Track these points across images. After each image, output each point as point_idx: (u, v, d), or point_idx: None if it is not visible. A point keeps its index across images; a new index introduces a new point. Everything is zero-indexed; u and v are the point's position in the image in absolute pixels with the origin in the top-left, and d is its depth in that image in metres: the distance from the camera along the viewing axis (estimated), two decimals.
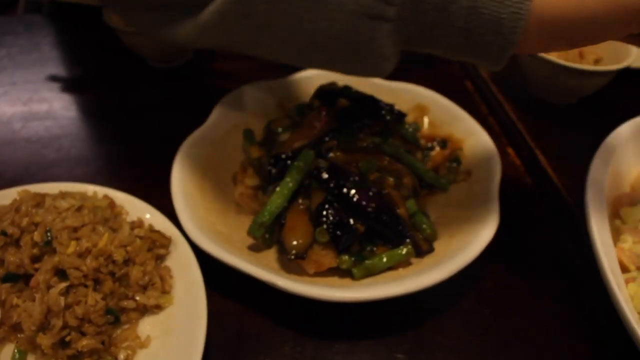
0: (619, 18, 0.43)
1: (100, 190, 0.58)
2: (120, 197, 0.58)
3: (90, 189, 0.59)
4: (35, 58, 0.86)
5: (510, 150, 0.74)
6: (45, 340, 0.46)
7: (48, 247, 0.50)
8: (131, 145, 0.72)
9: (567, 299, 0.56)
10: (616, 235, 0.58)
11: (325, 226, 0.52)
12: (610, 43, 0.73)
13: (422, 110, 0.72)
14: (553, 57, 0.75)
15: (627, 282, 0.52)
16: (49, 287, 0.48)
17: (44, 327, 0.47)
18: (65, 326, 0.47)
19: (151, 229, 0.54)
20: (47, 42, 0.89)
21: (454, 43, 0.45)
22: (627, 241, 0.56)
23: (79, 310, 0.47)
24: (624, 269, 0.54)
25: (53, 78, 0.82)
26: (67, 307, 0.48)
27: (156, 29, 0.55)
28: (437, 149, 0.68)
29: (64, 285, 0.48)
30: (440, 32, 0.45)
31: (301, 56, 0.50)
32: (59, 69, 0.84)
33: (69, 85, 0.82)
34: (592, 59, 0.80)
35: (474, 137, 0.67)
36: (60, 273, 0.49)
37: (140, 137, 0.73)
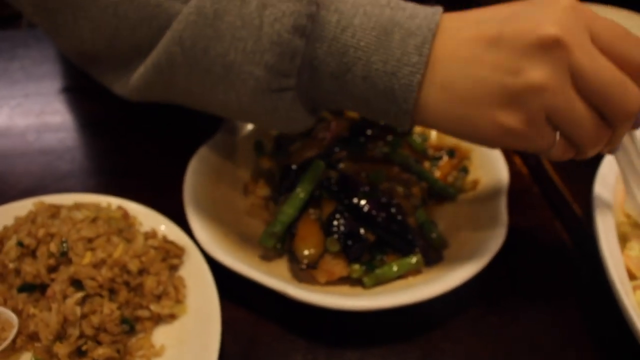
0: (480, 142, 0.47)
1: (114, 201, 0.59)
2: (134, 208, 0.59)
3: (104, 200, 0.59)
4: (47, 70, 0.87)
5: (516, 160, 0.74)
6: (62, 349, 0.47)
7: (64, 257, 0.51)
8: (143, 156, 0.72)
9: (575, 307, 0.57)
10: (623, 242, 0.58)
11: (336, 236, 0.53)
12: None
13: None
14: None
15: (634, 289, 0.52)
16: (65, 297, 0.49)
17: (60, 336, 0.48)
18: (81, 335, 0.48)
19: (165, 240, 0.55)
20: (58, 54, 0.90)
21: (356, 107, 0.48)
22: (635, 248, 0.56)
23: (94, 319, 0.48)
24: (632, 276, 0.54)
25: (65, 90, 0.83)
26: (83, 316, 0.48)
27: (100, 80, 0.58)
28: (445, 158, 0.69)
29: (80, 295, 0.49)
30: (339, 97, 0.48)
31: (231, 116, 0.54)
32: (70, 81, 0.85)
33: (81, 96, 0.83)
34: None
35: (481, 147, 0.68)
36: (76, 283, 0.49)
37: (153, 148, 0.73)
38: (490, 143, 0.47)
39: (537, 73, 0.41)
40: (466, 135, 0.47)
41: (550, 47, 0.41)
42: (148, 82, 0.51)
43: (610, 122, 0.44)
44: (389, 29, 0.44)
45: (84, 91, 0.84)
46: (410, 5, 0.46)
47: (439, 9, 0.45)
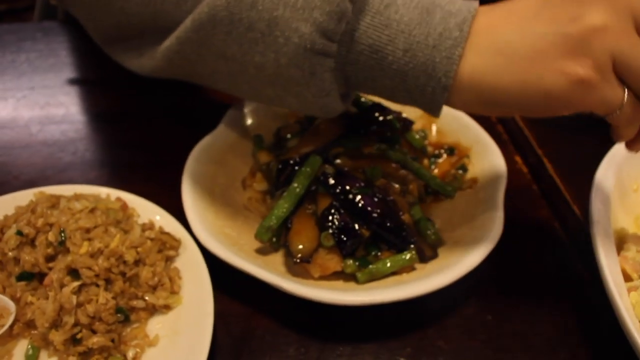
0: (542, 102, 0.45)
1: (113, 193, 0.60)
2: (132, 200, 0.59)
3: (103, 191, 0.60)
4: (53, 63, 0.87)
5: (517, 158, 0.74)
6: (57, 337, 0.47)
7: (62, 247, 0.51)
8: (144, 149, 0.73)
9: (569, 306, 0.57)
10: (620, 243, 0.58)
11: (330, 231, 0.53)
12: None
13: (430, 118, 0.72)
14: None
15: (629, 290, 0.52)
16: (62, 285, 0.49)
17: (56, 324, 0.48)
18: (76, 324, 0.48)
19: (161, 231, 0.56)
20: (64, 48, 0.90)
21: (391, 85, 0.48)
22: (631, 250, 0.56)
23: (90, 308, 0.48)
24: (627, 277, 0.54)
25: (69, 83, 0.84)
26: (79, 305, 0.49)
27: (127, 58, 0.58)
28: (445, 156, 0.69)
29: (76, 284, 0.49)
30: (376, 73, 0.47)
31: (255, 90, 0.53)
32: (75, 74, 0.86)
33: (85, 90, 0.83)
34: None
35: (481, 145, 0.68)
36: (73, 272, 0.50)
37: (153, 141, 0.74)
38: (560, 100, 0.44)
39: (597, 15, 0.41)
40: (530, 97, 0.44)
41: None
42: (182, 42, 0.50)
43: None
44: (431, 9, 0.45)
45: (88, 84, 0.85)
46: None
47: (475, 2, 0.46)
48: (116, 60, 0.61)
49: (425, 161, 0.67)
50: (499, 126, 0.80)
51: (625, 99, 0.44)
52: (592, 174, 0.61)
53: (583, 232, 0.60)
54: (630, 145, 0.50)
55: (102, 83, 0.85)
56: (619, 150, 0.64)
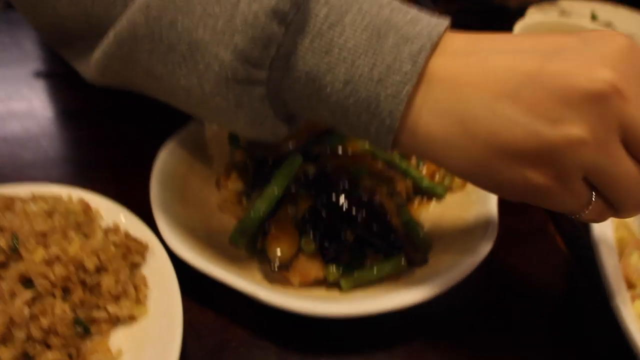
0: (496, 190, 0.42)
1: (76, 193, 0.55)
2: (97, 201, 0.55)
3: (65, 191, 0.55)
4: (17, 55, 0.83)
5: None
6: (6, 354, 0.43)
7: (14, 253, 0.47)
8: (112, 146, 0.69)
9: (568, 314, 0.54)
10: (620, 247, 0.55)
11: (311, 235, 0.50)
12: None
13: None
14: None
15: (633, 299, 0.49)
16: (12, 296, 0.45)
17: (5, 339, 0.44)
18: (29, 338, 0.44)
19: (127, 235, 0.51)
20: (29, 39, 0.86)
21: (331, 118, 0.43)
22: (633, 255, 0.53)
23: (44, 321, 0.44)
24: (630, 285, 0.51)
25: (34, 76, 0.80)
26: (32, 317, 0.44)
27: (76, 64, 0.54)
28: None
29: (29, 294, 0.45)
30: (314, 103, 0.42)
31: (192, 109, 0.48)
32: (40, 67, 0.81)
33: (50, 83, 0.79)
34: None
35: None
36: (26, 281, 0.46)
37: (122, 138, 0.70)
38: (513, 197, 0.41)
39: (580, 125, 0.36)
40: (482, 182, 0.41)
41: (600, 99, 0.35)
42: (108, 56, 0.46)
43: None
44: (383, 32, 0.39)
45: (54, 78, 0.80)
46: (415, 11, 0.41)
47: (445, 21, 0.40)
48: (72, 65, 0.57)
49: (413, 160, 0.63)
50: None
51: (592, 204, 0.40)
52: None
53: (581, 237, 0.57)
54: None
55: (69, 77, 0.79)
56: None
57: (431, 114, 0.39)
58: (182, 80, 0.43)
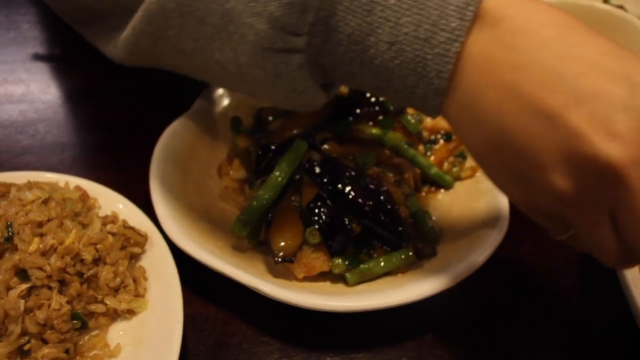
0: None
1: (73, 181, 0.54)
2: (95, 189, 0.54)
3: (62, 179, 0.54)
4: (13, 37, 0.81)
5: None
6: (0, 349, 0.42)
7: (9, 243, 0.46)
8: (111, 132, 0.67)
9: (581, 307, 0.52)
10: None
11: (317, 226, 0.48)
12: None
13: None
14: None
15: None
16: (8, 288, 0.44)
17: (0, 333, 0.43)
18: (24, 333, 0.43)
19: (125, 225, 0.50)
20: (26, 21, 0.84)
21: (375, 83, 0.40)
22: None
23: (40, 315, 0.43)
24: None
25: (31, 58, 0.78)
26: (28, 311, 0.43)
27: (100, 44, 0.53)
28: (441, 142, 0.64)
29: (24, 286, 0.44)
30: (357, 68, 0.40)
31: (227, 83, 0.47)
32: (38, 49, 0.79)
33: (47, 66, 0.77)
34: None
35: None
36: (21, 273, 0.45)
37: (122, 123, 0.68)
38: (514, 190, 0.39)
39: (563, 182, 0.34)
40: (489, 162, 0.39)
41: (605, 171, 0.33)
42: (137, 33, 0.45)
43: None
44: None
45: (52, 60, 0.79)
46: None
47: None
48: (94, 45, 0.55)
49: (421, 147, 0.61)
50: None
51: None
52: None
53: None
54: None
55: (67, 59, 0.79)
56: None
57: (481, 78, 0.36)
58: (217, 54, 0.42)
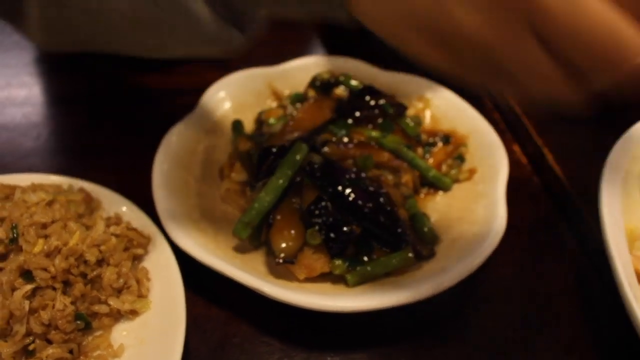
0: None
1: (76, 183, 0.54)
2: (98, 191, 0.54)
3: (65, 181, 0.55)
4: (16, 40, 0.81)
5: (516, 148, 0.70)
6: (6, 349, 0.43)
7: (13, 244, 0.46)
8: (114, 135, 0.68)
9: (577, 309, 0.53)
10: (631, 239, 0.54)
11: (317, 227, 0.49)
12: None
13: (424, 102, 0.68)
14: None
15: None
16: (12, 289, 0.44)
17: (5, 334, 0.44)
18: (29, 333, 0.43)
19: (128, 227, 0.50)
20: None
21: None
22: None
23: (44, 315, 0.44)
24: None
25: (34, 62, 0.78)
26: (32, 311, 0.44)
27: (21, 30, 0.53)
28: (440, 144, 0.64)
29: (29, 287, 0.44)
30: None
31: (141, 44, 0.47)
32: (41, 53, 0.80)
33: (51, 69, 0.78)
34: None
35: (479, 133, 0.63)
36: (26, 274, 0.45)
37: (124, 126, 0.69)
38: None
39: (470, 18, 0.32)
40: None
41: None
42: (44, 7, 0.45)
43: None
44: None
45: (55, 63, 0.79)
46: None
47: None
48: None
49: (419, 150, 0.62)
50: (495, 113, 0.75)
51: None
52: (595, 162, 0.56)
53: (589, 228, 0.56)
54: None
55: (70, 62, 0.79)
56: (627, 142, 0.59)
57: None
58: (113, 2, 0.42)
